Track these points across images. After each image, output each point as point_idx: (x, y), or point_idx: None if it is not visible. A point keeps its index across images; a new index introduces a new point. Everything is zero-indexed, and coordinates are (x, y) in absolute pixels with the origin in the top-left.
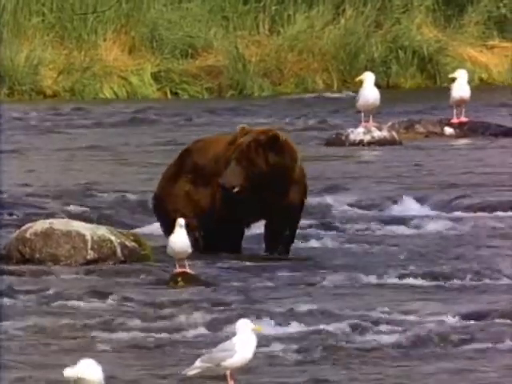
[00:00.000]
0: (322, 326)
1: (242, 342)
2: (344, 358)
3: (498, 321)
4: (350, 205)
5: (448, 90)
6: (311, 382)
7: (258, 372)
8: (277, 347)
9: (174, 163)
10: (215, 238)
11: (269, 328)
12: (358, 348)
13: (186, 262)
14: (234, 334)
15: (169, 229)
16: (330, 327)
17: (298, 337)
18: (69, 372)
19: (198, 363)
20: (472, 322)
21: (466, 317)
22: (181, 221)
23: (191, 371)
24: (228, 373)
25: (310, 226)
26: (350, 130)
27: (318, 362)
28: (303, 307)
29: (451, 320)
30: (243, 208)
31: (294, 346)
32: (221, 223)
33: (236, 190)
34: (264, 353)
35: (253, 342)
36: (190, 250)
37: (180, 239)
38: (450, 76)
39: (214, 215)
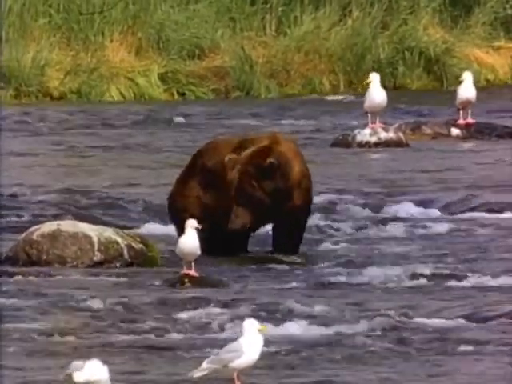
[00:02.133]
0: (327, 327)
1: (249, 342)
2: (349, 359)
3: (500, 321)
4: (356, 205)
5: (454, 91)
6: (317, 383)
7: (265, 373)
8: (284, 348)
9: (187, 164)
10: (221, 240)
11: (276, 329)
12: (362, 348)
13: (193, 264)
14: (240, 335)
15: (179, 228)
16: (336, 328)
17: (305, 337)
18: (79, 376)
19: (205, 365)
20: (475, 322)
21: (469, 317)
22: (192, 222)
23: (198, 373)
24: (235, 374)
25: (318, 227)
26: (356, 131)
27: (324, 362)
28: (309, 308)
29: (454, 321)
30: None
31: (301, 347)
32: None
33: (248, 226)
34: (271, 353)
35: (259, 342)
36: (198, 251)
37: (189, 240)
38: (460, 79)
39: (220, 218)
